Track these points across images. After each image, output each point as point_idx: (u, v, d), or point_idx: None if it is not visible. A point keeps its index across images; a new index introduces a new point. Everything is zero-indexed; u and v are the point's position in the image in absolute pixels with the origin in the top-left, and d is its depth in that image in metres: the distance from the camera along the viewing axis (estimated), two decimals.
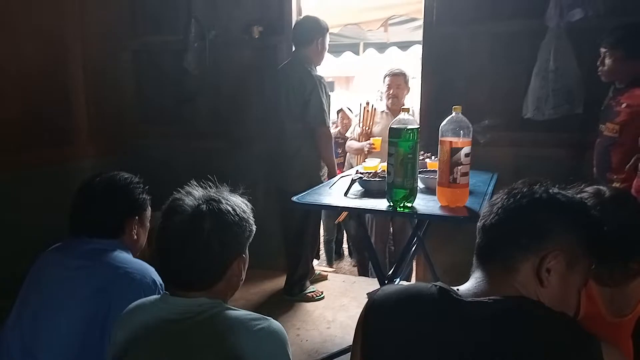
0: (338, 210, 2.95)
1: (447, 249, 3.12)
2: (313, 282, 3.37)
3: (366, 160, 2.90)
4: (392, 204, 2.01)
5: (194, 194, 1.16)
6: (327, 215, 4.50)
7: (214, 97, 3.72)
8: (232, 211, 1.14)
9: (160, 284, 1.40)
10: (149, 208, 1.55)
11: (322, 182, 2.85)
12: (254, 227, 1.20)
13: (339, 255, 5.44)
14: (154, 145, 3.85)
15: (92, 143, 3.63)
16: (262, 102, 3.46)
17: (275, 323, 1.10)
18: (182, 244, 1.11)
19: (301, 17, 3.33)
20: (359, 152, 3.77)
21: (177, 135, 3.83)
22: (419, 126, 1.93)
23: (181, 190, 1.18)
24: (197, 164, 3.23)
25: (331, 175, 3.08)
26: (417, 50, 5.98)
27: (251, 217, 1.20)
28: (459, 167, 1.93)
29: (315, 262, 3.73)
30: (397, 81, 3.68)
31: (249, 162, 3.54)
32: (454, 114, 1.96)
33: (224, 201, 1.15)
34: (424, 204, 2.05)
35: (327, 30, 3.10)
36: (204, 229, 1.10)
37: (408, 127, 1.90)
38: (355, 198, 2.22)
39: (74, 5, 3.44)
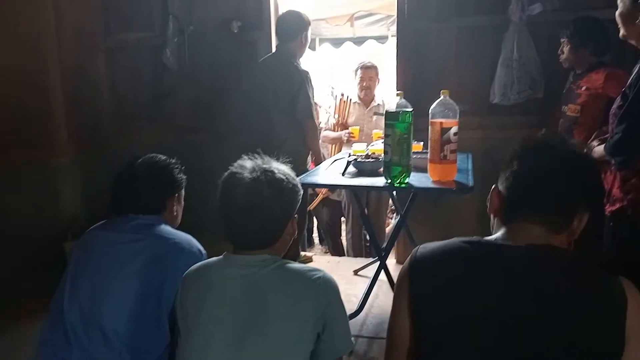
0: (339, 188, 3.11)
1: (426, 226, 3.38)
2: None
3: (353, 146, 3.09)
4: (389, 181, 2.22)
5: (248, 166, 1.31)
6: None
7: (194, 91, 3.80)
8: (285, 179, 1.30)
9: (204, 252, 1.54)
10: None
11: (308, 171, 3.01)
12: (301, 191, 1.37)
13: (310, 243, 5.62)
14: (134, 142, 3.86)
15: (72, 142, 3.61)
16: (243, 95, 3.58)
17: (328, 273, 1.28)
18: (247, 212, 1.25)
19: (284, 12, 3.44)
20: (336, 141, 3.97)
21: (158, 131, 3.86)
22: (412, 109, 2.16)
23: (235, 164, 1.34)
24: (179, 158, 3.31)
25: (317, 163, 3.25)
26: (371, 45, 6.26)
27: (298, 183, 1.36)
28: (449, 145, 2.17)
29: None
30: (369, 73, 3.92)
31: (232, 155, 3.62)
32: (442, 97, 2.19)
33: (276, 170, 1.31)
34: (416, 179, 2.28)
35: (310, 24, 3.26)
36: (265, 197, 1.25)
37: (403, 110, 2.13)
38: (351, 178, 2.43)
39: (48, 5, 3.43)
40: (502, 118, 3.26)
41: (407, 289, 1.06)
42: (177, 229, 1.63)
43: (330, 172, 2.60)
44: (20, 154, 3.18)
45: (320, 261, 3.72)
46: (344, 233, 4.46)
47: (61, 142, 3.54)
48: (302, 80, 3.07)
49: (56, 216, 3.46)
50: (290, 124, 3.14)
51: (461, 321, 0.98)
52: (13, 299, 2.90)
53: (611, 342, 0.93)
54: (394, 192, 3.29)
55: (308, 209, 4.55)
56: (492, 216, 1.14)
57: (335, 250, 4.49)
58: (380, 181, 2.30)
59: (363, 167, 2.48)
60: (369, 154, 2.68)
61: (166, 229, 1.56)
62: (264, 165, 1.32)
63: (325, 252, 4.98)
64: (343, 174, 2.44)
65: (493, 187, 1.12)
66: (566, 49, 2.67)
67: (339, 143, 3.88)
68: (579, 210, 1.04)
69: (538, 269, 0.98)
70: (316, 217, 5.09)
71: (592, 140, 2.39)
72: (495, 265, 1.00)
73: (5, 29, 3.12)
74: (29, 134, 3.27)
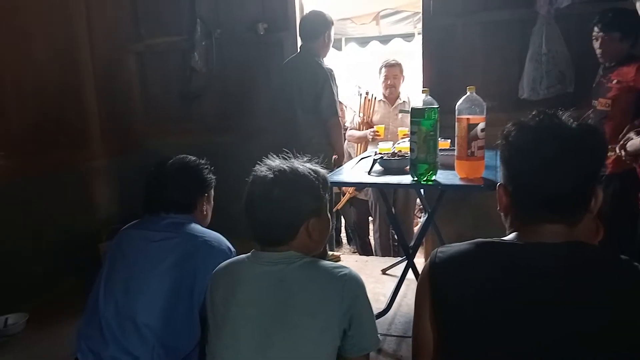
0: (366, 186, 3.12)
1: (454, 224, 3.36)
2: None
3: (379, 145, 3.09)
4: (416, 178, 2.22)
5: (270, 164, 1.35)
6: None
7: (222, 93, 3.87)
8: (305, 174, 1.32)
9: (234, 250, 1.58)
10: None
11: (332, 170, 3.03)
12: (326, 188, 1.38)
13: (338, 243, 5.64)
14: (164, 143, 3.95)
15: (105, 144, 3.73)
16: (269, 95, 3.63)
17: (353, 270, 1.29)
18: (263, 207, 1.29)
19: (307, 12, 3.48)
20: (361, 140, 3.98)
21: (187, 132, 3.96)
22: (438, 106, 2.15)
23: (259, 163, 1.37)
24: (208, 159, 3.38)
25: (339, 161, 3.27)
26: (397, 44, 6.24)
27: (319, 183, 1.37)
28: (476, 142, 2.15)
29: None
30: (393, 71, 3.91)
31: (260, 154, 3.67)
32: (468, 93, 2.18)
33: (297, 167, 1.33)
34: (443, 177, 2.27)
35: (332, 23, 3.27)
36: (280, 192, 1.28)
37: (429, 107, 2.12)
38: (378, 176, 2.43)
39: (81, 12, 3.55)
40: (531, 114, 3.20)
41: (428, 294, 1.03)
42: (208, 228, 1.67)
43: (356, 170, 2.61)
44: (56, 157, 3.30)
45: (348, 260, 3.73)
46: (371, 232, 4.46)
47: (95, 144, 3.67)
48: (326, 78, 3.09)
49: (91, 218, 3.58)
50: (315, 122, 3.16)
51: (486, 325, 0.95)
52: (51, 298, 3.01)
53: None
54: (422, 191, 3.28)
55: (335, 208, 4.57)
56: (502, 215, 1.08)
57: (364, 249, 4.49)
58: (407, 179, 2.29)
59: (389, 165, 2.48)
60: (396, 152, 2.67)
61: (197, 227, 1.60)
62: (286, 163, 1.34)
63: (354, 252, 4.99)
64: (369, 173, 2.45)
65: (498, 184, 1.07)
66: (605, 42, 2.60)
67: (364, 142, 3.89)
68: (595, 190, 0.98)
69: (563, 269, 0.94)
70: (344, 217, 5.12)
71: (628, 132, 2.35)
72: (518, 265, 0.96)
73: (43, 38, 3.24)
74: (64, 137, 3.39)
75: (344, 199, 4.26)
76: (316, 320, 1.20)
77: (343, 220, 5.32)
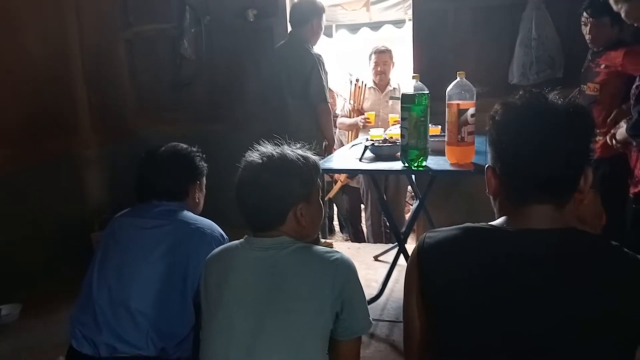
0: (357, 173, 3.14)
1: (445, 210, 3.38)
2: None
3: (370, 132, 3.10)
4: (407, 164, 2.23)
5: (262, 150, 1.35)
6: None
7: (212, 81, 3.86)
8: (293, 160, 1.32)
9: (226, 237, 1.58)
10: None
11: (324, 156, 3.03)
12: (312, 176, 1.38)
13: (331, 231, 5.66)
14: (154, 132, 3.94)
15: (95, 133, 3.72)
16: (259, 83, 3.61)
17: (345, 255, 1.31)
18: (251, 191, 1.31)
19: None
20: (352, 127, 3.97)
21: (177, 120, 3.94)
22: (428, 92, 2.16)
23: (251, 149, 1.38)
24: (199, 147, 3.37)
25: (329, 148, 3.27)
26: (388, 30, 6.22)
27: (309, 169, 1.38)
28: (466, 127, 2.17)
29: None
30: (383, 58, 3.90)
31: (251, 142, 3.67)
32: (458, 79, 2.19)
33: (286, 152, 1.34)
34: (434, 162, 2.28)
35: (323, 10, 3.26)
36: (263, 180, 1.29)
37: (420, 93, 2.13)
38: (369, 163, 2.44)
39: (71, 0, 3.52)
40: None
41: (416, 280, 1.04)
42: (201, 215, 1.67)
43: (347, 157, 2.61)
44: (48, 146, 3.30)
45: (341, 248, 3.76)
46: (364, 220, 4.48)
47: (86, 133, 3.66)
48: (314, 64, 3.08)
49: (83, 207, 3.57)
50: (304, 109, 3.15)
51: (475, 312, 0.95)
52: (43, 287, 3.01)
53: (633, 324, 0.89)
54: (413, 177, 3.30)
55: (327, 197, 4.58)
56: (491, 198, 1.07)
57: (356, 237, 4.51)
58: (397, 165, 2.31)
59: (380, 152, 2.49)
60: (387, 138, 2.68)
61: (189, 214, 1.60)
62: (276, 149, 1.35)
63: (346, 240, 5.00)
64: (360, 159, 2.46)
65: (487, 166, 1.06)
66: (595, 27, 2.60)
67: (355, 129, 3.89)
68: (584, 170, 0.98)
69: (553, 257, 0.93)
70: (336, 205, 5.13)
71: (616, 117, 2.37)
72: (507, 252, 0.96)
73: (33, 26, 3.22)
74: (55, 126, 3.38)
75: (335, 187, 4.27)
76: (309, 304, 1.21)
77: (335, 208, 5.35)
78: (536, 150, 0.95)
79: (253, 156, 1.34)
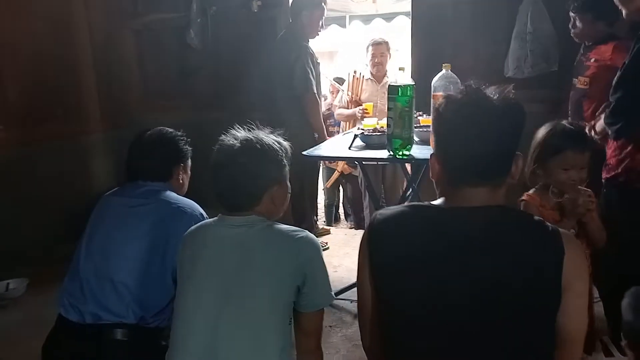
0: (343, 160, 3.24)
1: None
2: (317, 237, 3.65)
3: (364, 121, 3.16)
4: (392, 152, 2.30)
5: (236, 135, 1.44)
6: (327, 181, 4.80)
7: (217, 70, 3.95)
8: (267, 144, 1.41)
9: (206, 216, 1.68)
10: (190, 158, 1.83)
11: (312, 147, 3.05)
12: (284, 161, 1.46)
13: (336, 219, 5.74)
14: (160, 118, 4.04)
15: (102, 118, 3.85)
16: (261, 73, 3.69)
17: (310, 234, 1.39)
18: (224, 173, 1.39)
19: None
20: (350, 118, 4.03)
21: (182, 108, 4.04)
22: (413, 83, 2.22)
23: (226, 133, 1.46)
24: (202, 135, 3.46)
25: (321, 140, 3.31)
26: (401, 21, 6.24)
27: (282, 153, 1.46)
28: None
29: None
30: (380, 49, 3.93)
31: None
32: (444, 71, 2.25)
33: (256, 140, 1.42)
34: (419, 151, 2.35)
35: (320, 4, 3.27)
36: (241, 163, 1.37)
37: (404, 84, 2.19)
38: (358, 150, 2.51)
39: None
40: (516, 92, 3.23)
41: (367, 255, 1.11)
42: (195, 199, 1.76)
43: (337, 145, 2.69)
44: (54, 128, 3.42)
45: (338, 234, 3.85)
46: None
47: (93, 117, 3.78)
48: (299, 54, 3.13)
49: (88, 188, 3.70)
50: (291, 99, 3.21)
51: (418, 286, 1.03)
52: (49, 264, 3.14)
53: (552, 293, 0.99)
54: (408, 166, 3.36)
55: (325, 186, 4.66)
56: (434, 182, 1.16)
57: (359, 225, 4.58)
58: (384, 153, 2.38)
59: (370, 141, 2.56)
60: (377, 128, 2.75)
61: (171, 195, 1.70)
62: (251, 133, 1.43)
63: (351, 227, 5.09)
64: (350, 147, 2.53)
65: (431, 154, 1.15)
66: (579, 23, 2.64)
67: (353, 120, 3.95)
68: (514, 156, 1.08)
69: (488, 231, 1.02)
70: (344, 193, 5.21)
71: (601, 113, 2.39)
72: (447, 229, 1.05)
73: (40, 11, 3.33)
74: (62, 109, 3.50)
75: (333, 176, 4.35)
76: (272, 276, 1.30)
77: (342, 196, 5.42)
78: (470, 138, 1.04)
79: (229, 140, 1.42)
